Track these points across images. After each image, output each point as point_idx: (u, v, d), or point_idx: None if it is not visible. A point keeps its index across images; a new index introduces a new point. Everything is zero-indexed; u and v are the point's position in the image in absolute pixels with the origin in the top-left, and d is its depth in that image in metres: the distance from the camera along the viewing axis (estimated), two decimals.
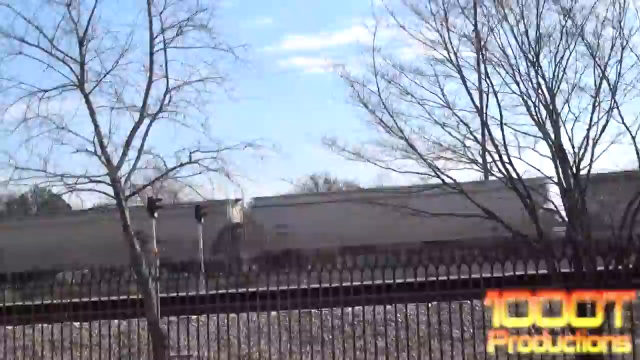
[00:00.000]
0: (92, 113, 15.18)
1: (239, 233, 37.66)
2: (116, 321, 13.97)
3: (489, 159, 12.98)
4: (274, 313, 13.39)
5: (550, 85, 12.35)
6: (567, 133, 12.28)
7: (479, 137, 12.94)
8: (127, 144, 15.14)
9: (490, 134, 12.59)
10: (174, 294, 13.97)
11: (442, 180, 12.99)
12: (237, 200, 39.49)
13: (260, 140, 15.20)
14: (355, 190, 41.23)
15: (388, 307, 13.31)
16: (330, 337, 13.04)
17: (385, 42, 13.29)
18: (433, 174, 13.03)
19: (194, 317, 13.70)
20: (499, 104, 12.59)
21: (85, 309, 14.12)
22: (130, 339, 14.37)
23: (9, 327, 14.49)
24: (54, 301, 13.86)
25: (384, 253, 31.69)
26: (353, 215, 36.26)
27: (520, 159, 12.51)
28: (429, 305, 12.74)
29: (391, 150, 13.25)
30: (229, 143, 15.15)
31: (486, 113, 12.54)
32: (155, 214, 25.20)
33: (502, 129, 12.48)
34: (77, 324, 14.53)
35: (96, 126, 15.14)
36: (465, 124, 12.77)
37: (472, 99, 12.71)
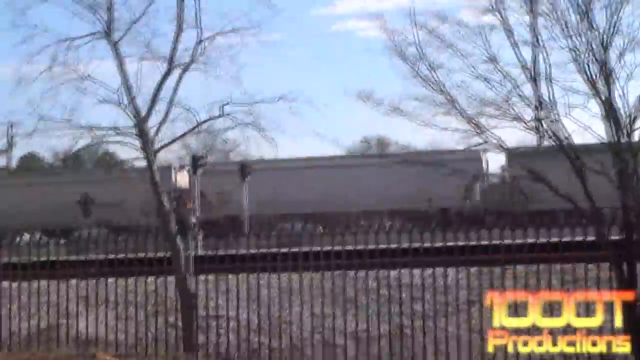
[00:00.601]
0: (121, 63, 14.60)
1: (182, 199, 37.43)
2: (149, 278, 13.78)
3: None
4: (308, 275, 13.03)
5: (603, 40, 11.61)
6: (619, 91, 11.60)
7: (524, 93, 12.27)
8: (155, 94, 14.61)
9: (538, 90, 11.92)
10: (205, 253, 13.72)
11: (484, 139, 12.39)
12: (182, 167, 39.66)
13: (293, 94, 14.57)
14: (297, 159, 41.61)
15: (428, 271, 12.81)
16: (366, 300, 12.65)
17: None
18: (474, 131, 12.44)
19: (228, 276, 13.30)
20: (546, 59, 11.90)
21: (115, 266, 13.87)
22: (158, 297, 14.18)
23: (42, 282, 14.22)
24: (84, 257, 13.65)
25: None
26: (288, 183, 36.72)
27: (569, 116, 11.85)
28: (469, 270, 12.28)
29: (430, 106, 12.65)
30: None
31: (535, 68, 11.86)
32: (200, 171, 24.96)
33: (550, 86, 11.82)
34: (111, 279, 14.26)
35: (124, 76, 14.59)
36: (511, 79, 12.10)
37: (517, 52, 12.00)
